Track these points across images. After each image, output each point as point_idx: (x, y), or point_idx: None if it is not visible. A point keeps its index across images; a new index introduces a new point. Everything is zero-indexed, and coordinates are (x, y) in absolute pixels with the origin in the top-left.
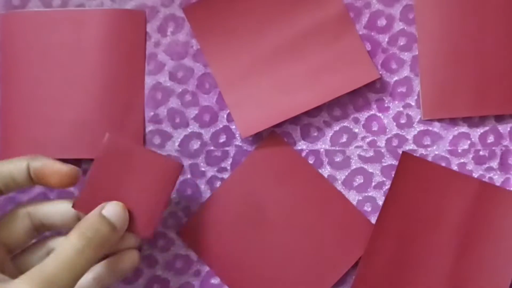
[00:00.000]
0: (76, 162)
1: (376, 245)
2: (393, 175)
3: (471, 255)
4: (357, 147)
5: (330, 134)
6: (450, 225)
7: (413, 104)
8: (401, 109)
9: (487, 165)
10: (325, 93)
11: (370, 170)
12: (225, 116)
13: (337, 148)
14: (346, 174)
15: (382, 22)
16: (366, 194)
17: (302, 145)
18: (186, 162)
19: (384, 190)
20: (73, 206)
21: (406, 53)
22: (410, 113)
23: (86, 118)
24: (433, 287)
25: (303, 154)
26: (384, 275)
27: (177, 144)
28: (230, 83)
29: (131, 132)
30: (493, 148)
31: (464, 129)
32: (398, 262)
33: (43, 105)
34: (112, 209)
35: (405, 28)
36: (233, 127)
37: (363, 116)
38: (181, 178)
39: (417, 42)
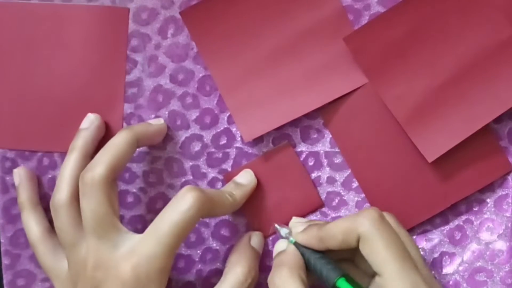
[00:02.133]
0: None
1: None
2: None
3: (466, 82)
4: None
5: (330, 136)
6: (459, 48)
7: None
8: None
9: None
10: (326, 94)
11: None
12: (225, 118)
13: (337, 150)
14: (346, 175)
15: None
16: (365, 196)
17: (302, 147)
18: (187, 164)
19: None
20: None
21: None
22: None
23: (66, 113)
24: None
25: (303, 156)
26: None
27: (178, 146)
28: (230, 86)
29: (110, 129)
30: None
31: None
32: (398, 48)
33: (25, 98)
34: (257, 240)
35: None
36: (234, 129)
37: None
38: (182, 179)
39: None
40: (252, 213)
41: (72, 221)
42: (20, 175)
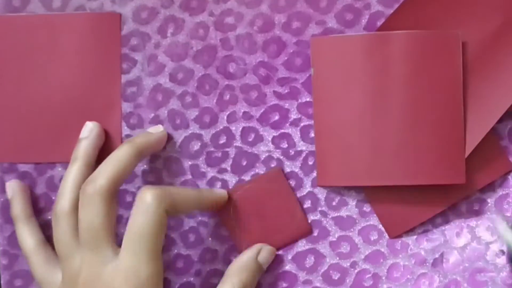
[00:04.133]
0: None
1: None
2: None
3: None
4: None
5: None
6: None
7: None
8: None
9: None
10: (416, 176)
11: None
12: (225, 117)
13: None
14: None
15: (381, 23)
16: (364, 195)
17: (301, 147)
18: (187, 163)
19: None
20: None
21: None
22: None
23: (65, 122)
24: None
25: (303, 155)
26: None
27: (177, 145)
28: (328, 128)
29: (109, 133)
30: None
31: None
32: None
33: (22, 109)
34: (266, 257)
35: None
36: (233, 128)
37: None
38: (181, 178)
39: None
40: (242, 237)
41: (70, 231)
42: (13, 188)
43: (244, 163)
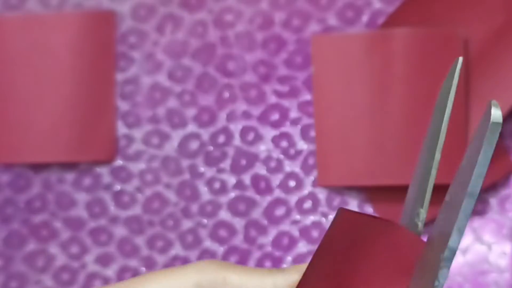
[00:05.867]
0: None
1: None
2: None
3: None
4: None
5: None
6: None
7: None
8: None
9: None
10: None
11: None
12: (224, 116)
13: None
14: None
15: (382, 20)
16: (366, 195)
17: (302, 146)
18: (185, 163)
19: None
20: None
21: None
22: None
23: (59, 121)
24: None
25: (303, 154)
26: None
27: (176, 144)
28: (329, 127)
29: (103, 133)
30: None
31: None
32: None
33: (16, 109)
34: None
35: None
36: (233, 127)
37: None
38: (179, 178)
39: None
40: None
41: None
42: None
43: (244, 162)
